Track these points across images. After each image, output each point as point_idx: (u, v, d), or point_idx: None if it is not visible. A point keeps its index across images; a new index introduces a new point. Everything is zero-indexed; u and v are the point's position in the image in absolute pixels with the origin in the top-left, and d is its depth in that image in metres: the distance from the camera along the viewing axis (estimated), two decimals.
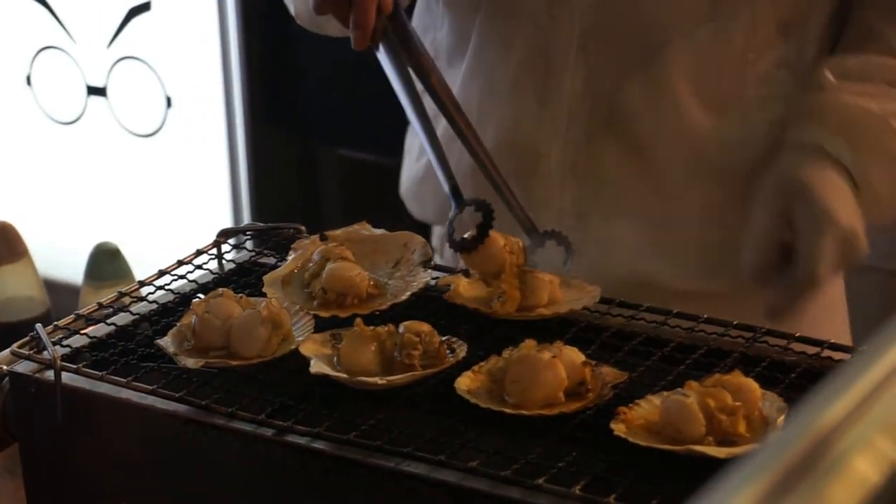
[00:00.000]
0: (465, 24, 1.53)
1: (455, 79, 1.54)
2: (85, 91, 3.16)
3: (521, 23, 1.49)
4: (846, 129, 1.40)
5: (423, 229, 1.59)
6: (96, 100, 3.15)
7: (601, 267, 1.45)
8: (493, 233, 1.26)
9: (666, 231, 1.49)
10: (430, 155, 1.31)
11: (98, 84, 3.14)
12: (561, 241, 1.33)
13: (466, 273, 1.30)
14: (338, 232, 1.34)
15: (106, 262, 1.68)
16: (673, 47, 1.44)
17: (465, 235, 1.27)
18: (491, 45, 1.51)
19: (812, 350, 1.20)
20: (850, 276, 2.51)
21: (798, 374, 1.16)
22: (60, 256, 2.92)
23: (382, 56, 1.34)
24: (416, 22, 1.61)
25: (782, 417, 1.07)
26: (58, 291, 1.96)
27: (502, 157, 1.42)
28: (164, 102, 3.07)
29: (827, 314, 1.60)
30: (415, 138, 1.63)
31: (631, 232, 1.49)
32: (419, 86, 1.37)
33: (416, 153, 1.64)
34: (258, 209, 3.03)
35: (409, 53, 1.35)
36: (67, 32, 3.13)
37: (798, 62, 1.48)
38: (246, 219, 3.01)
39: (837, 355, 1.19)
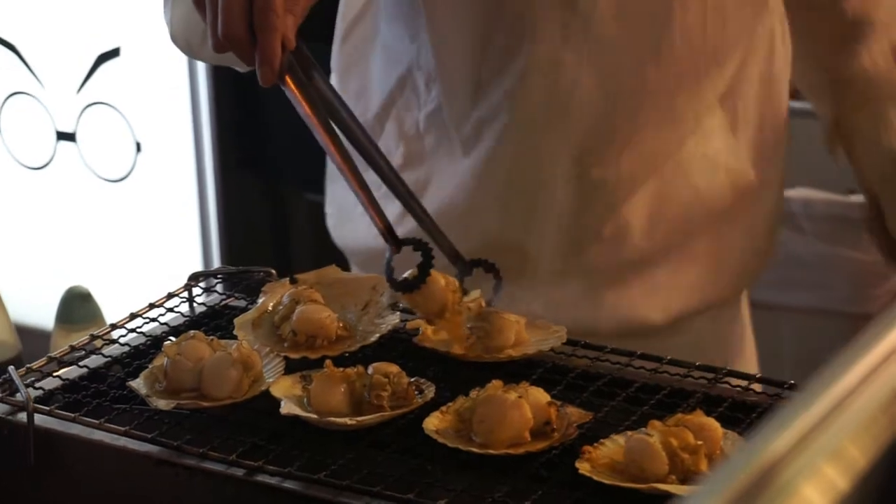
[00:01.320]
0: (462, 122, 1.55)
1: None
2: (54, 136, 3.17)
3: (512, 136, 1.52)
4: None
5: None
6: (66, 145, 3.17)
7: (592, 321, 1.53)
8: (433, 272, 1.28)
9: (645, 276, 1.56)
10: (356, 194, 1.28)
11: (67, 129, 3.16)
12: (488, 268, 1.33)
13: (430, 321, 1.31)
14: (307, 275, 1.36)
15: (77, 305, 1.69)
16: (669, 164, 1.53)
17: (406, 275, 1.28)
18: (479, 163, 1.54)
19: (773, 391, 1.23)
20: (813, 321, 2.54)
21: (759, 414, 1.19)
22: (31, 301, 2.92)
23: (290, 92, 1.28)
24: (392, 98, 1.60)
25: None
26: (29, 335, 1.97)
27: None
28: (134, 148, 3.09)
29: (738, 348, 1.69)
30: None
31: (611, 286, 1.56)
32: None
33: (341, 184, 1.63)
34: (228, 253, 3.05)
35: (317, 89, 1.30)
36: (37, 78, 3.15)
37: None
38: (216, 263, 3.02)
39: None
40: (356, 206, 1.48)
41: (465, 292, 1.32)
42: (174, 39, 1.54)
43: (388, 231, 1.27)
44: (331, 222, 1.70)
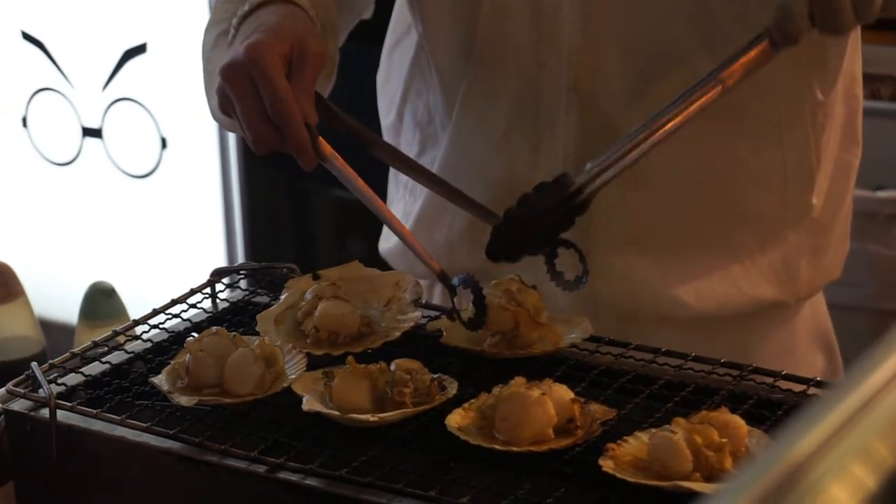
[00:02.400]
0: (453, 81, 1.53)
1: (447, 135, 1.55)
2: (80, 132, 3.18)
3: (508, 72, 1.48)
4: None
5: None
6: (92, 141, 3.17)
7: (611, 300, 1.47)
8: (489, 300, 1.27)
9: (680, 257, 1.50)
10: (410, 246, 1.30)
11: (93, 125, 3.16)
12: (568, 246, 1.31)
13: (451, 315, 1.31)
14: (330, 271, 1.35)
15: (101, 301, 1.69)
16: (668, 77, 1.45)
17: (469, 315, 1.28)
18: (480, 98, 1.51)
19: (798, 388, 1.22)
20: (841, 317, 2.53)
21: (784, 412, 1.18)
22: (56, 296, 2.92)
23: (332, 166, 1.31)
24: (407, 87, 1.60)
25: None
26: (53, 331, 1.97)
27: (500, 207, 1.40)
28: (160, 143, 3.09)
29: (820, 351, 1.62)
30: (395, 203, 1.63)
31: (643, 262, 1.50)
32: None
33: (405, 204, 1.63)
34: (252, 249, 3.04)
35: (348, 130, 1.33)
36: (63, 74, 3.15)
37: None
38: (240, 258, 3.02)
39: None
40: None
41: (556, 273, 1.31)
42: (220, 124, 1.53)
43: (441, 277, 1.29)
44: (383, 246, 1.66)
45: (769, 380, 1.23)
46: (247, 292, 1.43)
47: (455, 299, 1.27)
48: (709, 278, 1.50)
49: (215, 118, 1.49)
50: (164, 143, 3.08)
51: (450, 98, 1.54)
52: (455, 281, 1.28)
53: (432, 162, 1.55)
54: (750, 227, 1.51)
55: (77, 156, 3.20)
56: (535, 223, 1.30)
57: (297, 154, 1.28)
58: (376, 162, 1.39)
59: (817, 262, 1.56)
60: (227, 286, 1.43)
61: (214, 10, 1.46)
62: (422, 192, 1.55)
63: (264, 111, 1.26)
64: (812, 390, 1.21)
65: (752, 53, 1.26)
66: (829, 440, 0.50)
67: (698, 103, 1.27)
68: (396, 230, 1.31)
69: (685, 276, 1.50)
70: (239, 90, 1.27)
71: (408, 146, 1.59)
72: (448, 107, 1.55)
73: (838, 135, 1.56)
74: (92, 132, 3.17)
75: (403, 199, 1.62)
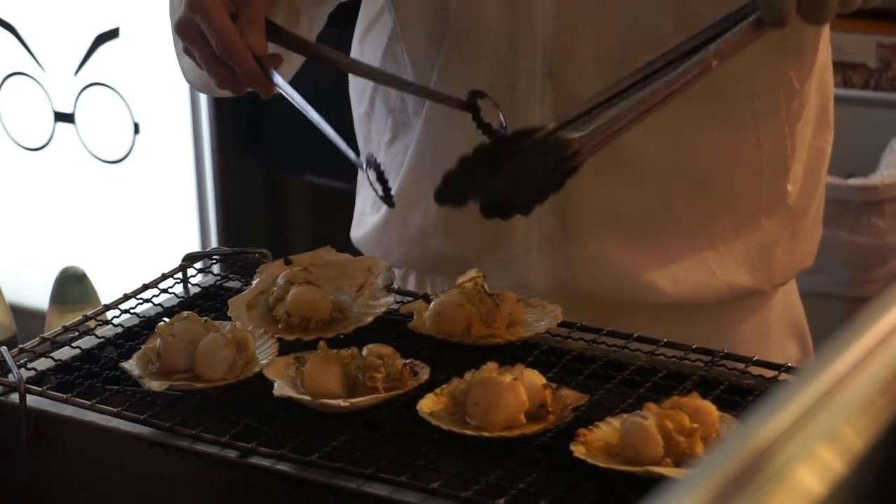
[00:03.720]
0: (426, 67, 1.51)
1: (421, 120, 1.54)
2: (52, 117, 3.16)
3: (481, 58, 1.47)
4: None
5: None
6: (64, 126, 3.16)
7: (588, 285, 1.47)
8: (448, 295, 1.27)
9: (657, 243, 1.50)
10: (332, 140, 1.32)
11: (66, 110, 3.15)
12: (482, 95, 1.32)
13: (427, 298, 1.31)
14: (302, 256, 1.35)
15: (72, 286, 1.68)
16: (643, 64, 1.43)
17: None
18: (453, 84, 1.50)
19: (770, 374, 1.22)
20: (811, 304, 2.54)
21: (755, 398, 1.18)
22: (26, 282, 2.91)
23: (283, 86, 1.35)
24: None
25: None
26: (24, 317, 1.96)
27: (475, 232, 1.43)
28: (132, 129, 3.08)
29: (793, 339, 1.62)
30: (365, 190, 1.63)
31: (619, 248, 1.49)
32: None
33: (369, 206, 1.62)
34: (225, 235, 3.04)
35: (300, 48, 1.40)
36: (35, 59, 3.14)
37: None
38: (213, 244, 3.01)
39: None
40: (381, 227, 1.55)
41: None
42: (193, 86, 1.60)
43: (358, 161, 1.32)
44: (355, 234, 1.65)
45: (740, 366, 1.23)
46: (218, 277, 1.43)
47: (369, 178, 1.29)
48: (684, 264, 1.50)
49: (187, 80, 1.57)
50: (136, 129, 3.08)
51: (422, 83, 1.53)
52: (360, 160, 1.30)
53: (405, 149, 1.54)
54: (726, 214, 1.51)
55: (49, 141, 3.19)
56: (535, 184, 1.28)
57: (252, 86, 1.35)
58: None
59: (792, 249, 1.56)
60: (199, 271, 1.42)
61: None
62: (395, 178, 1.55)
63: (217, 56, 1.33)
64: (783, 376, 1.21)
65: (739, 32, 1.25)
66: (795, 424, 0.50)
67: (685, 78, 1.25)
68: (343, 148, 1.32)
69: (661, 262, 1.50)
70: (192, 40, 1.34)
71: (379, 133, 1.59)
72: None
73: (812, 122, 1.57)
74: (64, 117, 3.16)
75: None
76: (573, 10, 1.44)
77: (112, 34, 3.05)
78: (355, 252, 1.50)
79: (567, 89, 1.45)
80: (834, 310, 2.66)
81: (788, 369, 1.22)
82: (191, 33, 1.34)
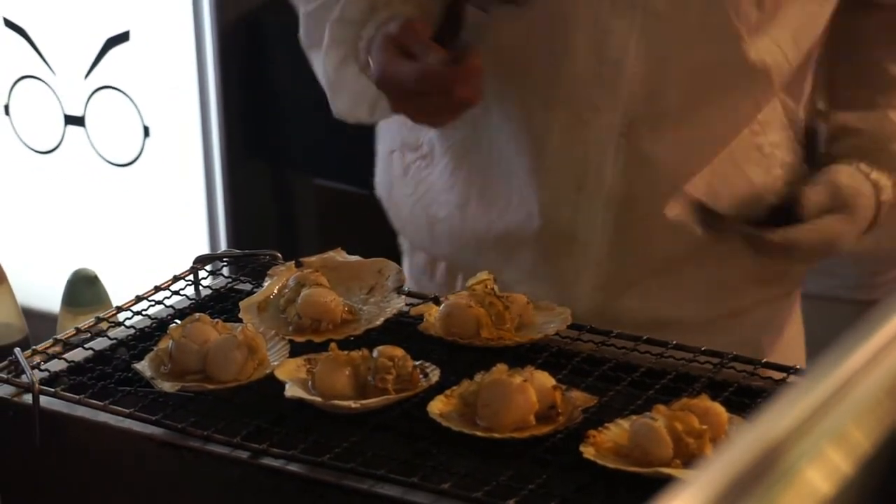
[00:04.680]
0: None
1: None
2: (63, 120, 3.17)
3: (558, 112, 1.49)
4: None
5: (397, 257, 1.61)
6: (74, 129, 3.16)
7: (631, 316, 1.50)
8: (458, 297, 1.29)
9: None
10: None
11: (76, 113, 3.15)
12: None
13: (437, 301, 1.32)
14: (313, 259, 1.36)
15: (84, 288, 1.69)
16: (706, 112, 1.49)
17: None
18: (524, 134, 1.51)
19: (778, 376, 1.23)
20: (821, 306, 2.54)
21: (764, 399, 1.18)
22: (38, 284, 2.92)
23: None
24: None
25: None
26: (35, 319, 1.97)
27: (537, 240, 1.48)
28: (142, 132, 3.08)
29: (787, 346, 1.66)
30: (383, 141, 1.66)
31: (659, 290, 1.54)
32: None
33: (385, 155, 1.65)
34: (235, 237, 3.04)
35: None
36: (46, 62, 3.15)
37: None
38: (223, 247, 3.02)
39: None
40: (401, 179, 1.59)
41: None
42: (343, 118, 1.57)
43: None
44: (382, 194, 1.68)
45: (749, 368, 1.24)
46: (229, 279, 1.43)
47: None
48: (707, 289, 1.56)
49: (336, 108, 1.55)
50: (146, 132, 3.08)
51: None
52: None
53: (464, 138, 1.56)
54: None
55: (59, 144, 3.19)
56: None
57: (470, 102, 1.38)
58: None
59: None
60: (210, 273, 1.43)
61: (333, 36, 1.49)
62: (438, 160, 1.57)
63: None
64: (792, 378, 1.22)
65: None
66: (804, 425, 0.50)
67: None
68: None
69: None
70: (398, 61, 1.37)
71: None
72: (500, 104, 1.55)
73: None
74: (74, 120, 3.16)
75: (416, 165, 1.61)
76: (659, 75, 1.46)
77: (122, 37, 3.06)
78: (364, 254, 1.51)
79: (642, 153, 1.48)
80: (842, 312, 2.65)
81: (797, 371, 1.22)
82: (395, 54, 1.37)
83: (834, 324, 2.69)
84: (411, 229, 1.64)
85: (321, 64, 1.51)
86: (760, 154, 1.51)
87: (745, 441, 0.49)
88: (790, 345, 1.67)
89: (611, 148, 1.47)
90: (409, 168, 1.61)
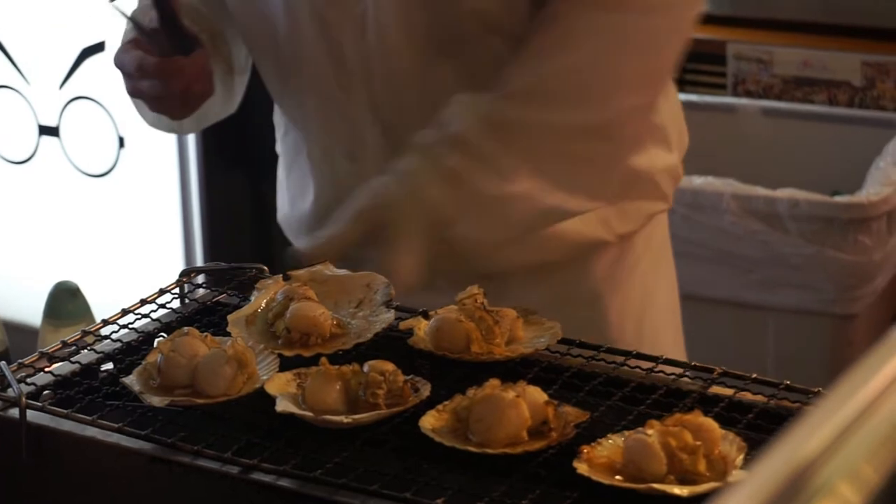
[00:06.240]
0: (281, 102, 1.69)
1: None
2: (37, 131, 3.15)
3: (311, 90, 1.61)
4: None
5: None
6: (48, 140, 3.15)
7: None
8: (447, 311, 1.28)
9: None
10: None
11: (50, 124, 3.14)
12: None
13: (426, 315, 1.31)
14: (301, 272, 1.35)
15: (66, 301, 1.68)
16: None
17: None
18: (293, 108, 1.65)
19: (768, 391, 1.23)
20: (798, 320, 2.55)
21: (755, 415, 1.18)
22: (14, 297, 2.90)
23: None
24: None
25: (741, 456, 1.09)
26: (15, 332, 1.96)
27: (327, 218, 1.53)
28: (117, 142, 3.07)
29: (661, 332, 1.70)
30: (281, 170, 1.76)
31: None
32: None
33: (283, 187, 1.75)
34: (211, 248, 3.03)
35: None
36: (20, 72, 3.13)
37: None
38: (199, 258, 3.01)
39: (794, 396, 1.22)
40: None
41: None
42: (157, 129, 1.76)
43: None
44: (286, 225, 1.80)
45: (738, 382, 1.24)
46: (215, 293, 1.43)
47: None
48: None
49: (151, 124, 1.74)
50: (121, 143, 3.07)
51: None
52: None
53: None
54: None
55: (33, 154, 3.17)
56: None
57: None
58: None
59: None
60: (197, 286, 1.42)
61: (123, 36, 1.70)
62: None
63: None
64: (782, 393, 1.22)
65: None
66: (835, 442, 0.50)
67: None
68: None
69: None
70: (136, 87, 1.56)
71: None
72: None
73: None
74: (49, 130, 3.14)
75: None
76: (383, 49, 1.54)
77: (97, 48, 3.04)
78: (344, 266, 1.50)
79: (391, 118, 1.57)
80: (820, 326, 2.67)
81: (788, 388, 1.22)
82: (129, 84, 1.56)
83: (811, 337, 2.71)
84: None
85: None
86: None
87: (778, 458, 0.49)
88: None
89: (366, 124, 1.58)
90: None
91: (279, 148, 1.76)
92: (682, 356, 1.68)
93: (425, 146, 1.45)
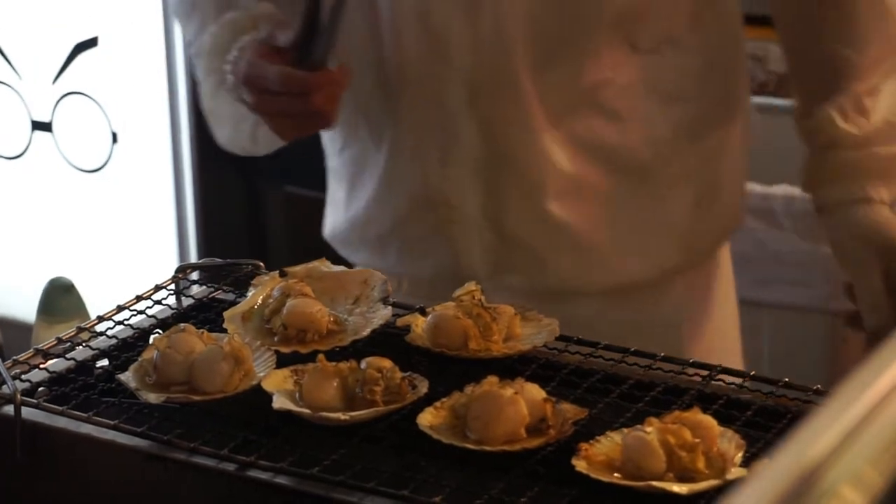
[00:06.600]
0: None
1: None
2: (30, 126, 3.14)
3: (408, 87, 1.55)
4: (885, 176, 1.51)
5: None
6: (41, 135, 3.14)
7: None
8: (444, 308, 1.28)
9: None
10: None
11: (44, 119, 3.13)
12: None
13: (423, 311, 1.31)
14: (297, 268, 1.35)
15: (60, 297, 1.67)
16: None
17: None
18: (383, 101, 1.58)
19: (767, 388, 1.22)
20: (792, 317, 2.54)
21: (754, 412, 1.18)
22: (9, 293, 2.90)
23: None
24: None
25: (740, 454, 1.09)
26: (9, 328, 1.95)
27: (420, 214, 1.54)
28: (110, 138, 3.06)
29: (721, 342, 1.70)
30: (337, 187, 1.70)
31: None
32: None
33: (342, 202, 1.69)
34: (205, 244, 3.02)
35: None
36: (13, 67, 3.12)
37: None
38: (192, 254, 3.00)
39: (792, 393, 1.21)
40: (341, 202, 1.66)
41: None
42: (227, 149, 1.67)
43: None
44: (333, 239, 1.74)
45: (738, 380, 1.23)
46: (211, 289, 1.42)
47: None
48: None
49: (219, 139, 1.65)
50: (114, 138, 3.06)
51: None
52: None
53: (355, 174, 1.65)
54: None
55: (26, 150, 3.17)
56: None
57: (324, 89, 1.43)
58: None
59: None
60: (193, 283, 1.42)
61: (205, 68, 1.58)
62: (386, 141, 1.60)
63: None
64: (780, 391, 1.21)
65: None
66: (841, 445, 0.50)
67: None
68: None
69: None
70: (261, 99, 1.45)
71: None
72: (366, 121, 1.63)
73: None
74: (42, 126, 3.14)
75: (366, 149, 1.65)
76: (490, 43, 1.51)
77: (91, 43, 3.03)
78: (336, 263, 1.50)
79: (490, 117, 1.53)
80: (815, 323, 2.66)
81: (787, 385, 1.22)
82: (254, 93, 1.44)
83: (805, 334, 2.70)
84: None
85: (202, 96, 1.60)
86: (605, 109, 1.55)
87: (784, 461, 0.48)
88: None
89: (463, 119, 1.53)
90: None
91: (333, 164, 1.69)
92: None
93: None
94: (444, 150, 1.55)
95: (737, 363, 1.69)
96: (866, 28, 1.52)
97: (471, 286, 1.30)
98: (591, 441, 1.11)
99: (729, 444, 1.10)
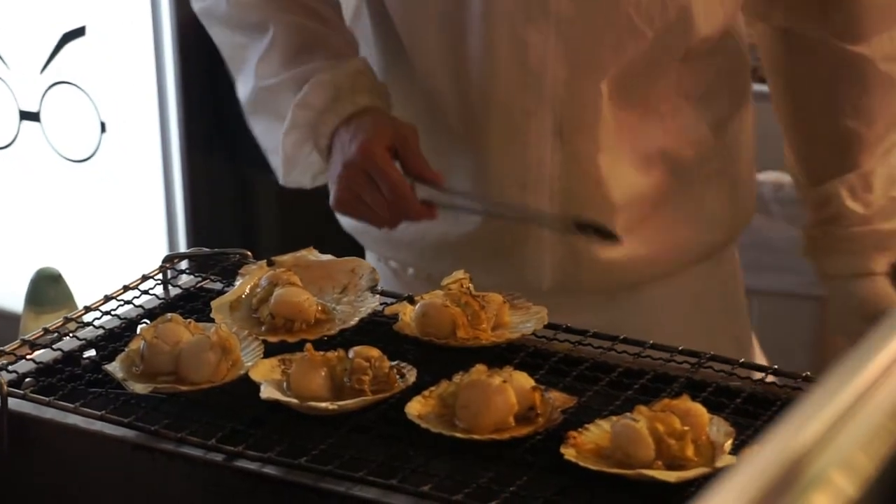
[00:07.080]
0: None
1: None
2: (18, 116, 3.13)
3: (494, 119, 1.55)
4: (884, 249, 1.61)
5: (361, 256, 1.59)
6: (29, 125, 3.12)
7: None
8: (432, 296, 1.28)
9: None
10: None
11: (31, 109, 3.11)
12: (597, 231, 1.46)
13: (411, 300, 1.30)
14: (285, 257, 1.34)
15: (48, 287, 1.66)
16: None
17: None
18: (465, 143, 1.58)
19: (757, 375, 1.22)
20: (782, 304, 2.54)
21: (743, 400, 1.18)
22: None
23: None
24: None
25: (729, 441, 1.09)
26: None
27: (490, 238, 1.56)
28: (99, 127, 3.05)
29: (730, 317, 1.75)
30: None
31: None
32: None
33: None
34: (194, 234, 3.02)
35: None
36: (0, 57, 3.11)
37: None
38: (182, 243, 2.99)
39: (781, 380, 1.21)
40: None
41: None
42: (288, 186, 1.69)
43: None
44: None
45: (727, 367, 1.23)
46: (198, 278, 1.41)
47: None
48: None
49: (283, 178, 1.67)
50: (103, 128, 3.05)
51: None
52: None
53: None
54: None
55: (14, 139, 3.15)
56: None
57: (416, 219, 1.49)
58: None
59: None
60: (180, 272, 1.41)
61: (292, 115, 1.56)
62: None
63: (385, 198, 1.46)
64: (770, 378, 1.21)
65: None
66: (829, 430, 0.49)
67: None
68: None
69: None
70: (361, 186, 1.47)
71: None
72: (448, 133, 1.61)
73: None
74: (30, 115, 3.12)
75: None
76: (580, 78, 1.52)
77: (78, 32, 3.02)
78: (326, 250, 1.49)
79: (574, 145, 1.54)
80: (804, 309, 2.66)
81: (775, 371, 1.22)
82: (359, 179, 1.46)
83: (795, 320, 2.70)
84: (368, 240, 1.68)
85: (275, 139, 1.60)
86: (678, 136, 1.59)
87: (772, 448, 0.48)
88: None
89: (546, 149, 1.54)
90: None
91: None
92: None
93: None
94: (524, 176, 1.56)
95: (753, 354, 1.77)
96: (880, 104, 1.60)
97: (459, 274, 1.30)
98: (580, 429, 1.11)
99: (718, 431, 1.10)
